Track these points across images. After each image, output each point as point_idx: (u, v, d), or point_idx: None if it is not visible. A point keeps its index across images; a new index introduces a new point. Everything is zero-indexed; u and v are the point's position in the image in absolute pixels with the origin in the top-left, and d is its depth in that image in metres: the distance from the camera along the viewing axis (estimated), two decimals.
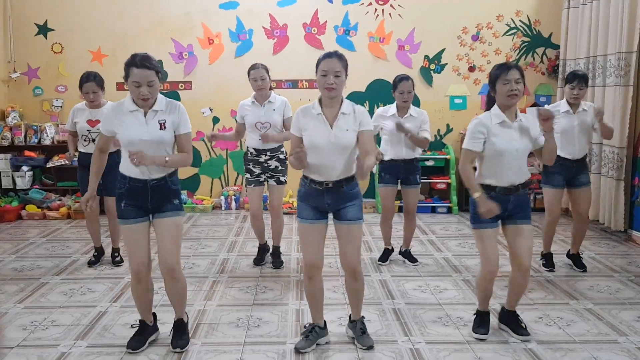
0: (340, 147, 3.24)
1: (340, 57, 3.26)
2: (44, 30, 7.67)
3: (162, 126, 3.27)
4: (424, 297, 4.42)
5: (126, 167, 3.31)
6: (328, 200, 3.31)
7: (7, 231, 6.57)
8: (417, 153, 5.07)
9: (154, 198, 3.31)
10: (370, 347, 3.47)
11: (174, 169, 3.40)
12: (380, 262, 5.27)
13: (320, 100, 3.33)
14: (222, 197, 7.76)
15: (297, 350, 3.45)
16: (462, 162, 3.49)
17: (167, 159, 3.25)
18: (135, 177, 3.30)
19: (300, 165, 3.17)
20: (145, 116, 3.26)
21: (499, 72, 3.46)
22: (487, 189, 3.46)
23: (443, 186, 7.61)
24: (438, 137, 7.89)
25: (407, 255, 5.33)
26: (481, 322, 3.72)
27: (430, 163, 7.54)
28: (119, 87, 7.66)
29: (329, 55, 3.25)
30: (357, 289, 3.49)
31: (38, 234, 6.41)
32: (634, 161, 6.08)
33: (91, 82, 4.95)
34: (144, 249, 3.37)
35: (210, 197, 7.94)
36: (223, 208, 7.75)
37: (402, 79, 4.92)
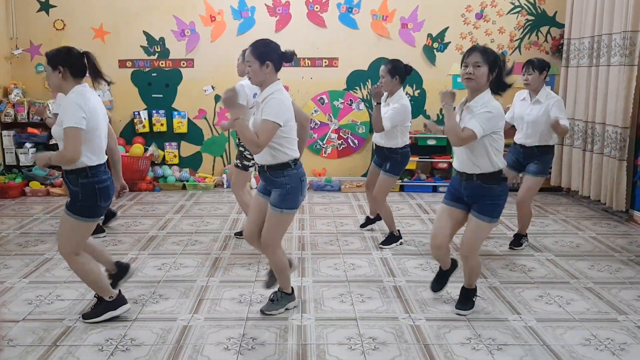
0: None
1: (253, 47, 3.36)
2: (45, 6, 7.62)
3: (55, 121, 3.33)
4: (425, 275, 4.45)
5: None
6: (262, 180, 3.59)
7: (11, 207, 6.61)
8: (390, 143, 4.97)
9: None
10: (262, 312, 3.69)
11: (73, 167, 3.30)
12: (381, 246, 5.15)
13: None
14: (224, 175, 7.78)
15: (262, 312, 3.69)
16: None
17: (49, 156, 3.28)
18: None
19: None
20: None
21: (464, 54, 3.44)
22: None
23: (444, 165, 7.60)
24: (440, 117, 7.87)
25: (387, 237, 5.20)
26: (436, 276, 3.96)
27: (431, 142, 7.53)
28: (121, 64, 7.65)
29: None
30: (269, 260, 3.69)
31: (42, 210, 6.45)
32: (637, 141, 6.07)
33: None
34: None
35: (212, 175, 7.95)
36: (225, 186, 7.76)
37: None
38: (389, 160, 5.04)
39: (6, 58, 7.60)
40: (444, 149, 7.68)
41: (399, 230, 5.26)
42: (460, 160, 3.52)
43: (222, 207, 6.65)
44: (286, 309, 3.72)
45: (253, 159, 4.84)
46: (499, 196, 3.47)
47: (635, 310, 3.79)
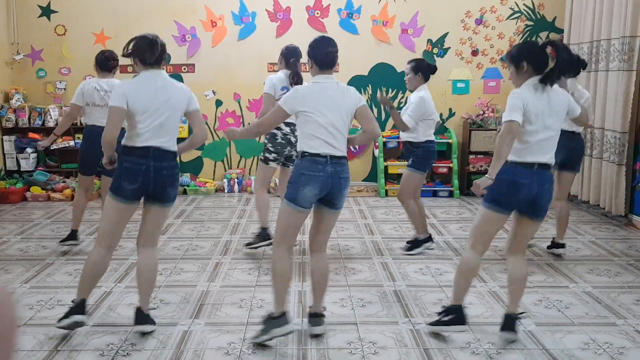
0: None
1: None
2: (47, 12, 7.65)
3: None
4: (425, 280, 4.46)
5: None
6: None
7: (12, 212, 6.63)
8: (410, 137, 4.97)
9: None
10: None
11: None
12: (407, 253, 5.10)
13: None
14: (225, 180, 7.80)
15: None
16: None
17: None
18: None
19: None
20: None
21: None
22: None
23: (445, 170, 7.63)
24: (440, 121, 7.88)
25: (411, 242, 5.16)
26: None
27: None
28: (122, 69, 7.62)
29: None
30: None
31: (43, 215, 6.46)
32: (636, 146, 6.09)
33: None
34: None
35: (213, 179, 7.97)
36: (226, 191, 7.78)
37: None
38: (411, 153, 5.02)
39: (7, 63, 7.64)
40: (444, 153, 7.70)
41: (429, 234, 5.16)
42: None
43: (222, 212, 6.67)
44: (274, 337, 3.30)
45: (275, 153, 4.89)
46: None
47: (634, 315, 3.81)
